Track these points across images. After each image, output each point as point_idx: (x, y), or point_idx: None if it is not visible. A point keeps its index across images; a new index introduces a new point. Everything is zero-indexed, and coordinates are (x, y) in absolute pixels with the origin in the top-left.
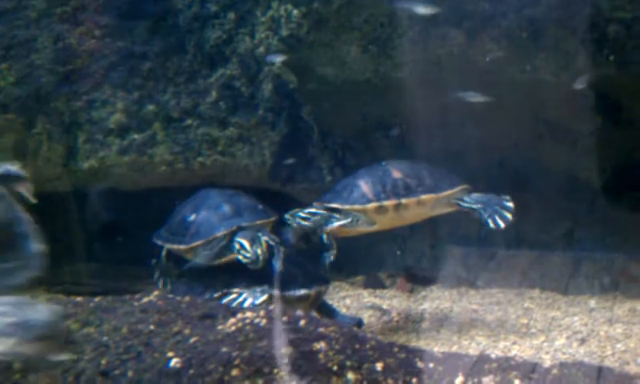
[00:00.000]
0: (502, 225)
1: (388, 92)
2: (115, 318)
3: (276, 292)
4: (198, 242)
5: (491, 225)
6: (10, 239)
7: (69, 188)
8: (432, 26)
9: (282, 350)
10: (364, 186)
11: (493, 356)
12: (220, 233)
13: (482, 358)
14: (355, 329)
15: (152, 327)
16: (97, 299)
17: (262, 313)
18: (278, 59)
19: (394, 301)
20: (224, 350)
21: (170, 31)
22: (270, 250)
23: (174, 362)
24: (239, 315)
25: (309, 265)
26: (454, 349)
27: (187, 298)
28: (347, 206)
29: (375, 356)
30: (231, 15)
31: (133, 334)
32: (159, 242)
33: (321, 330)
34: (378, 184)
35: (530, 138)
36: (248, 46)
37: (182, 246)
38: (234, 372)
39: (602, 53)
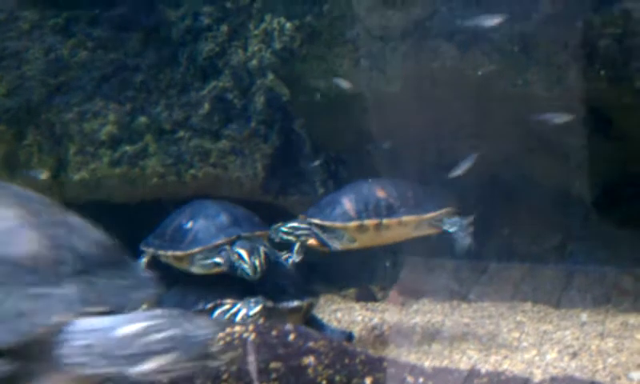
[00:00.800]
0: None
1: (380, 106)
2: None
3: (270, 303)
4: (197, 249)
5: (462, 243)
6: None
7: (59, 200)
8: (424, 40)
9: (271, 365)
10: (347, 203)
11: (483, 371)
12: (220, 241)
13: (473, 373)
14: (345, 343)
15: None
16: None
17: (250, 327)
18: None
19: (385, 314)
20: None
21: (162, 43)
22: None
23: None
24: (228, 329)
25: (297, 277)
26: (445, 363)
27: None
28: (328, 223)
29: (365, 370)
30: (224, 28)
31: None
32: (149, 250)
33: (310, 344)
34: (361, 202)
35: (522, 152)
36: (241, 58)
37: (179, 253)
38: None
39: (594, 67)
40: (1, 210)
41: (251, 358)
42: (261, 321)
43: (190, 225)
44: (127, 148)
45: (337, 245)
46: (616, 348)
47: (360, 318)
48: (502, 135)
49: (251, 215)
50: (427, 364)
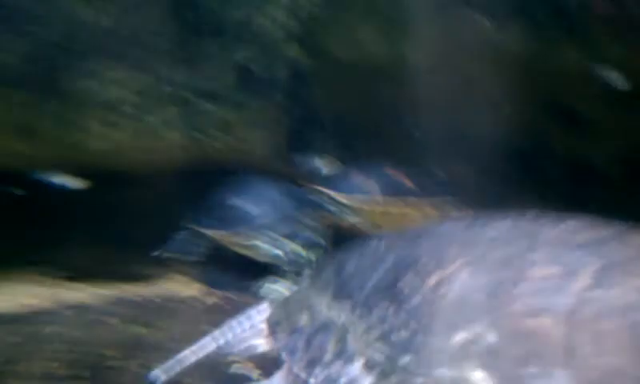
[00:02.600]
0: None
1: (404, 76)
2: (184, 322)
3: None
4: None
5: None
6: None
7: (77, 171)
8: (459, 10)
9: None
10: (365, 182)
11: None
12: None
13: None
14: None
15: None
16: (157, 300)
17: None
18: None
19: None
20: None
21: (186, 10)
22: None
23: None
24: None
25: None
26: None
27: (250, 298)
28: (344, 199)
29: None
30: None
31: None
32: (196, 228)
33: None
34: (381, 183)
35: (545, 125)
36: (266, 28)
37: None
38: None
39: (627, 39)
40: None
41: None
42: None
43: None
44: (150, 118)
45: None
46: None
47: None
48: (525, 108)
49: (302, 195)
50: None
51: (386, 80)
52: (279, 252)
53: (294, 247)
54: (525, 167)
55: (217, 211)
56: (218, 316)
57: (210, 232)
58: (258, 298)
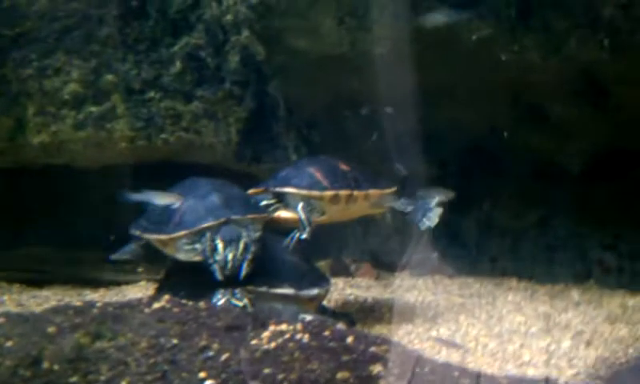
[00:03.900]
0: (432, 225)
1: (363, 69)
2: (130, 330)
3: (290, 290)
4: (182, 233)
5: (422, 227)
6: None
7: (16, 165)
8: (416, 1)
9: (338, 375)
10: (317, 173)
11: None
12: (207, 224)
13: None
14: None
15: (175, 341)
16: (99, 305)
17: (299, 326)
18: None
19: (373, 291)
20: (266, 371)
21: None
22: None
23: None
24: (272, 327)
25: (304, 262)
26: (468, 358)
27: (203, 304)
28: (304, 192)
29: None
30: None
31: (154, 349)
32: (137, 233)
33: (373, 349)
34: (331, 174)
35: (509, 122)
36: (215, 13)
37: (163, 236)
38: None
39: (596, 36)
40: None
41: (314, 366)
42: (307, 318)
43: (177, 205)
44: (93, 109)
45: (308, 216)
46: (632, 336)
47: (352, 297)
48: (490, 104)
49: (246, 196)
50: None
51: (341, 69)
52: (217, 257)
53: (232, 252)
54: (483, 161)
55: (158, 216)
56: (167, 321)
57: (151, 236)
58: None
